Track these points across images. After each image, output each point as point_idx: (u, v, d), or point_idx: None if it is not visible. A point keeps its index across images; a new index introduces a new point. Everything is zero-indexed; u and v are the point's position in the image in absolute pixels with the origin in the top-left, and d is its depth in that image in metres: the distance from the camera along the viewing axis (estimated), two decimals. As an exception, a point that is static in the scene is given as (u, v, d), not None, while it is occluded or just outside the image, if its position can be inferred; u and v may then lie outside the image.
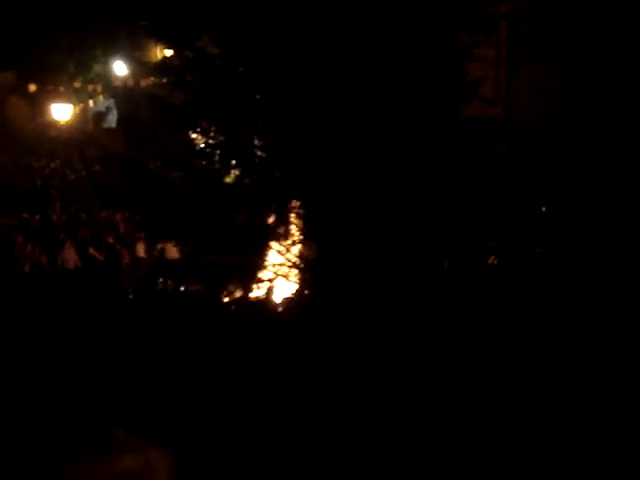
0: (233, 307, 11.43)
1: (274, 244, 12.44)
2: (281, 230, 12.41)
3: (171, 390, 7.90)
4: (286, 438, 7.26)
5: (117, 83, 26.97)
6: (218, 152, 12.74)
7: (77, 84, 26.62)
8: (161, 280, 14.66)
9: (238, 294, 12.22)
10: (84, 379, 7.97)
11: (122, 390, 7.78)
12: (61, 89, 25.79)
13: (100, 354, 8.58)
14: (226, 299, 12.21)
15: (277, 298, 12.33)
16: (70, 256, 17.39)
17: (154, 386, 7.98)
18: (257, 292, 12.39)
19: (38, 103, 24.93)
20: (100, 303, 10.57)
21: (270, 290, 12.34)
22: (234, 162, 12.69)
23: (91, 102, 26.89)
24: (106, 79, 26.98)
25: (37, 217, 19.87)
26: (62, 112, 24.11)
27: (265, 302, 12.05)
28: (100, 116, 26.78)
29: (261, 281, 12.39)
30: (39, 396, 7.27)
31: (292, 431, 7.38)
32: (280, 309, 11.27)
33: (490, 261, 12.72)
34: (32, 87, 25.86)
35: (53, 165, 24.33)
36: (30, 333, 8.90)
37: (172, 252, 16.37)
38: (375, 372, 8.17)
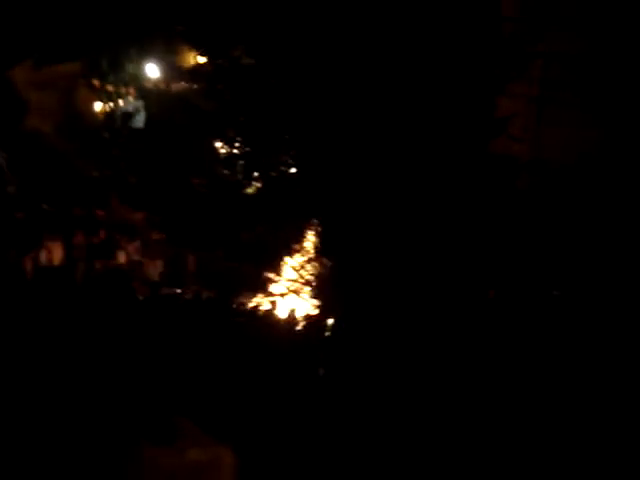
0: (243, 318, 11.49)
1: (288, 259, 12.42)
2: (297, 246, 12.39)
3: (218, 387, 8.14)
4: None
5: (148, 85, 26.99)
6: (242, 162, 12.75)
7: (109, 85, 26.67)
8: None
9: (248, 305, 12.22)
10: (154, 373, 8.15)
11: (187, 386, 7.97)
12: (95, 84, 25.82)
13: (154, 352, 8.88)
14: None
15: (282, 313, 12.33)
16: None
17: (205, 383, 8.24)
18: (265, 306, 12.39)
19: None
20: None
21: (274, 304, 12.35)
22: (256, 174, 12.69)
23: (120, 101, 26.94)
24: (138, 80, 27.02)
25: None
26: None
27: (271, 317, 12.07)
28: (128, 116, 26.84)
29: (272, 295, 12.38)
30: (114, 387, 7.38)
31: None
32: (290, 326, 11.28)
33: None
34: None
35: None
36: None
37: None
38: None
